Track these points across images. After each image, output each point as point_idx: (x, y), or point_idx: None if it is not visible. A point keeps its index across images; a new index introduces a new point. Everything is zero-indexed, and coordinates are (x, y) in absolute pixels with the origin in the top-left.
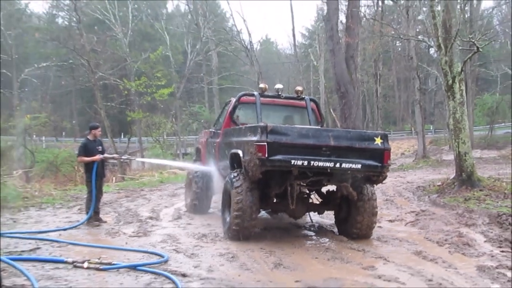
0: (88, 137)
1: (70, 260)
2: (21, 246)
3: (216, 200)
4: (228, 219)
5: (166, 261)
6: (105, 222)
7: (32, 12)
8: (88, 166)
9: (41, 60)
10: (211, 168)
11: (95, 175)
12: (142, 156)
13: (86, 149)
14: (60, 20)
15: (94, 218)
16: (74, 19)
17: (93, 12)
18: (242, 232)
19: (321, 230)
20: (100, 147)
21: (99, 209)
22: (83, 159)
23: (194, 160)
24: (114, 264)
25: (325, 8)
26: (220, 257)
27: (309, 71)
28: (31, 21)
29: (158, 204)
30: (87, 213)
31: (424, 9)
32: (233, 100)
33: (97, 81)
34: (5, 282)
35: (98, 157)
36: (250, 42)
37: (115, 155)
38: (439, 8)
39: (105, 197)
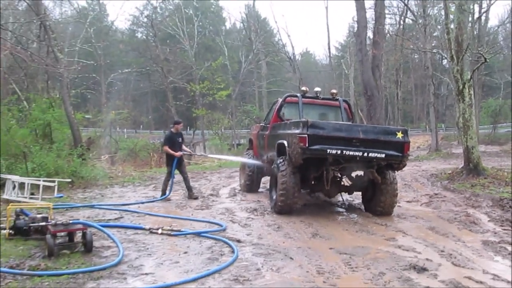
0: (172, 130)
1: (147, 227)
2: (108, 215)
3: (265, 181)
4: (274, 196)
5: (224, 230)
6: (197, 196)
7: (116, 28)
8: (170, 155)
9: (124, 67)
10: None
11: (175, 165)
12: (204, 145)
13: (170, 140)
14: (139, 35)
15: (188, 195)
16: (151, 34)
17: (165, 28)
18: (286, 207)
19: (350, 208)
20: (180, 138)
21: (191, 187)
22: (168, 150)
23: (247, 149)
24: (182, 231)
25: (356, 26)
26: (268, 227)
27: (341, 78)
28: (116, 35)
29: (217, 184)
30: (163, 190)
31: (439, 27)
32: (280, 100)
33: (169, 84)
34: (95, 244)
35: (179, 153)
36: (293, 53)
37: (191, 152)
38: (452, 26)
39: (175, 178)
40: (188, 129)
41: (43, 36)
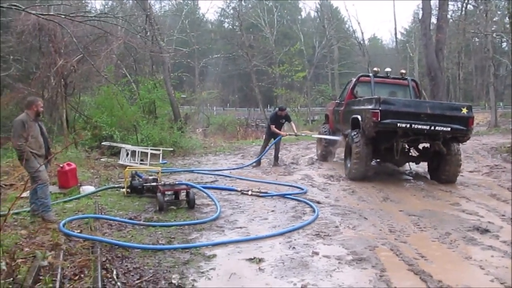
0: (277, 112)
1: (239, 189)
2: (205, 179)
3: (338, 152)
4: (349, 165)
5: (305, 193)
6: (284, 165)
7: (207, 19)
8: (270, 131)
9: (213, 53)
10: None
11: (275, 139)
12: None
13: (275, 121)
14: (226, 25)
15: (274, 163)
16: (236, 23)
17: (249, 18)
18: (359, 174)
19: (417, 176)
20: (283, 120)
21: (278, 157)
22: (274, 129)
23: (324, 123)
24: (269, 193)
25: (420, 12)
26: (343, 191)
27: (406, 60)
28: (206, 26)
29: (297, 154)
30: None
31: (499, 12)
32: (354, 79)
33: (252, 67)
34: (197, 202)
35: (284, 133)
36: (362, 39)
37: (296, 133)
38: None
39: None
40: (269, 107)
41: (148, 28)
